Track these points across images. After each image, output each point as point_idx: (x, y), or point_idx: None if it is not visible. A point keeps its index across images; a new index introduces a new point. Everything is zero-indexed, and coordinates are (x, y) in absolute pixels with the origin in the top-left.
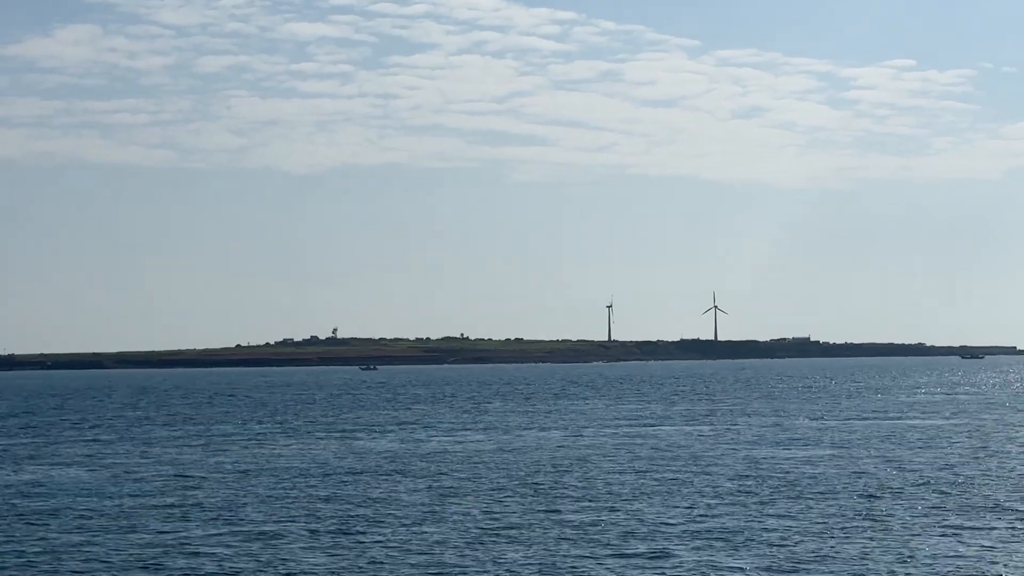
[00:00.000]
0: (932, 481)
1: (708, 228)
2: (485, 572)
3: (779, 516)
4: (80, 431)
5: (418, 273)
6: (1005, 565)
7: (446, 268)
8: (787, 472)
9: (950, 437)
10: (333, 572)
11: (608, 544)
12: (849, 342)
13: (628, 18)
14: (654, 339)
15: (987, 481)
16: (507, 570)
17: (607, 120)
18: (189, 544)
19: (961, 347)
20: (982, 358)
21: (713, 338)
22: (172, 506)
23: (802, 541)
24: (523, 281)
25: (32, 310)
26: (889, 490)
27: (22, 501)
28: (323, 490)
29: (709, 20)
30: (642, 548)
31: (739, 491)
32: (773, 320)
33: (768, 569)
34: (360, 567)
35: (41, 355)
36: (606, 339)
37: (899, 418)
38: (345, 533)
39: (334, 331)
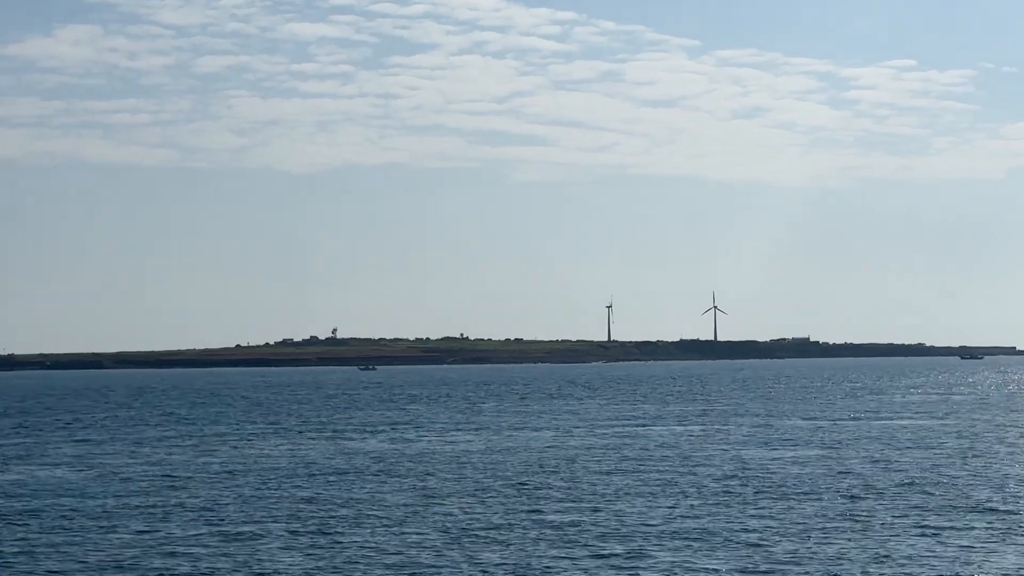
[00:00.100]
0: (916, 481)
1: (708, 228)
2: (459, 572)
3: (760, 516)
4: (71, 431)
5: (418, 273)
6: (980, 566)
7: (446, 268)
8: (773, 472)
9: (939, 438)
10: (308, 572)
11: (586, 545)
12: (849, 342)
13: (628, 18)
14: (654, 339)
15: (971, 482)
16: (481, 571)
17: (607, 120)
18: (167, 544)
19: (961, 347)
20: (981, 359)
21: (713, 338)
22: (154, 506)
23: (780, 541)
24: (523, 281)
25: (32, 310)
26: (872, 490)
27: (5, 501)
28: (307, 490)
29: (709, 20)
30: (619, 549)
31: (723, 492)
32: (773, 320)
33: (743, 570)
34: (335, 567)
35: (41, 355)
36: (606, 339)
37: (891, 419)
38: (324, 534)
39: (334, 331)
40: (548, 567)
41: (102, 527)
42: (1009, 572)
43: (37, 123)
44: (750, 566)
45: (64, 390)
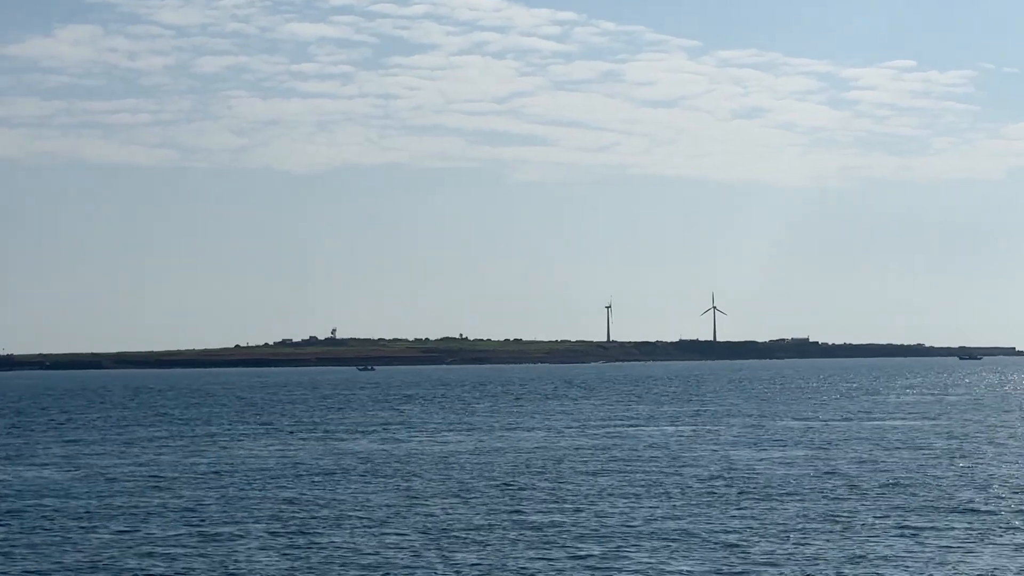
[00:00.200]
0: (901, 482)
1: (708, 228)
2: (434, 573)
3: (742, 517)
4: (62, 432)
5: (417, 273)
6: (955, 567)
7: (445, 268)
8: (759, 473)
9: (929, 439)
10: (283, 572)
11: (563, 546)
12: (848, 343)
13: (628, 19)
14: (653, 340)
15: (955, 482)
16: (456, 571)
17: (608, 120)
18: (145, 545)
19: (960, 348)
20: (980, 359)
21: (712, 339)
22: (137, 507)
23: (759, 542)
24: (522, 281)
25: (31, 310)
26: (856, 491)
27: None
28: (291, 491)
29: (709, 20)
30: (596, 550)
31: (707, 492)
32: (772, 321)
33: (718, 571)
34: (310, 567)
35: (40, 355)
36: (605, 339)
37: (883, 419)
38: (303, 534)
39: (333, 331)
40: (524, 567)
41: (83, 527)
42: (983, 572)
43: (37, 123)
44: (726, 567)
45: (62, 390)
